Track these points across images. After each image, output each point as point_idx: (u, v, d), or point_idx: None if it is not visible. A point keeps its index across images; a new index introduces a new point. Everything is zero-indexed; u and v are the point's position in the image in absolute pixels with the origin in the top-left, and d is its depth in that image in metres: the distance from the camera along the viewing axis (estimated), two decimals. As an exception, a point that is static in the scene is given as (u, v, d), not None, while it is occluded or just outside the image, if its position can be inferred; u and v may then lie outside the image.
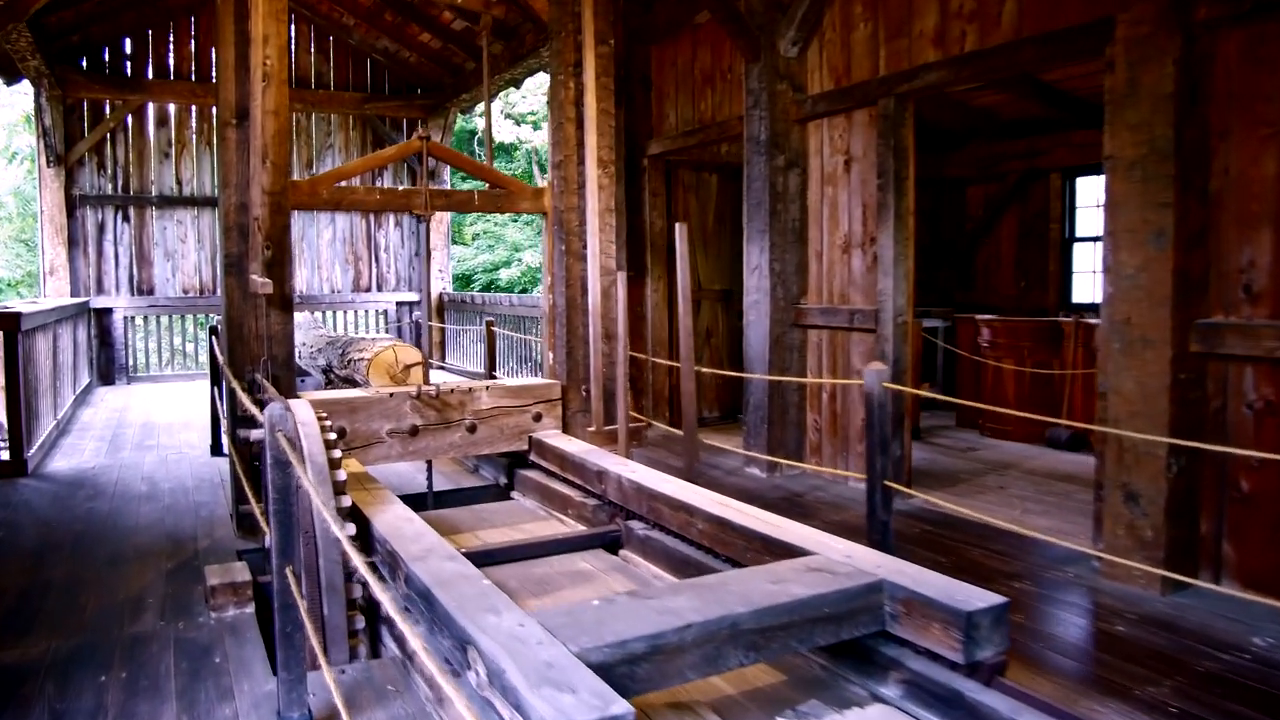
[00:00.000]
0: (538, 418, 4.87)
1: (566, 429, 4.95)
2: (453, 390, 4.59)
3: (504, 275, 19.27)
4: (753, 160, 5.51)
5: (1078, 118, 7.43)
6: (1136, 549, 3.56)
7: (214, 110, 8.68)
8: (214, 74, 6.45)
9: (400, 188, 4.48)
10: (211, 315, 10.49)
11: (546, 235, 5.06)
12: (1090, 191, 8.16)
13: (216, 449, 6.16)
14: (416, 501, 4.86)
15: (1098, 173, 7.85)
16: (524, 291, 18.46)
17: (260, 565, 3.75)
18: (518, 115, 19.72)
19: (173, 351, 11.75)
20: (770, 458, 5.51)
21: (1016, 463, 6.03)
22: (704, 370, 5.57)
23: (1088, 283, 8.22)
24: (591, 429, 4.87)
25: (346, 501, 2.88)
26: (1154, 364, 3.52)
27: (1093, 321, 6.48)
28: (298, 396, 4.07)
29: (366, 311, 11.79)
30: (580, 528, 4.18)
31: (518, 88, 11.30)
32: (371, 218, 11.62)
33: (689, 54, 6.84)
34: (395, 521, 3.06)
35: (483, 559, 3.62)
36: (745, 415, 5.82)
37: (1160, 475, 3.51)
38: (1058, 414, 6.50)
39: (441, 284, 11.77)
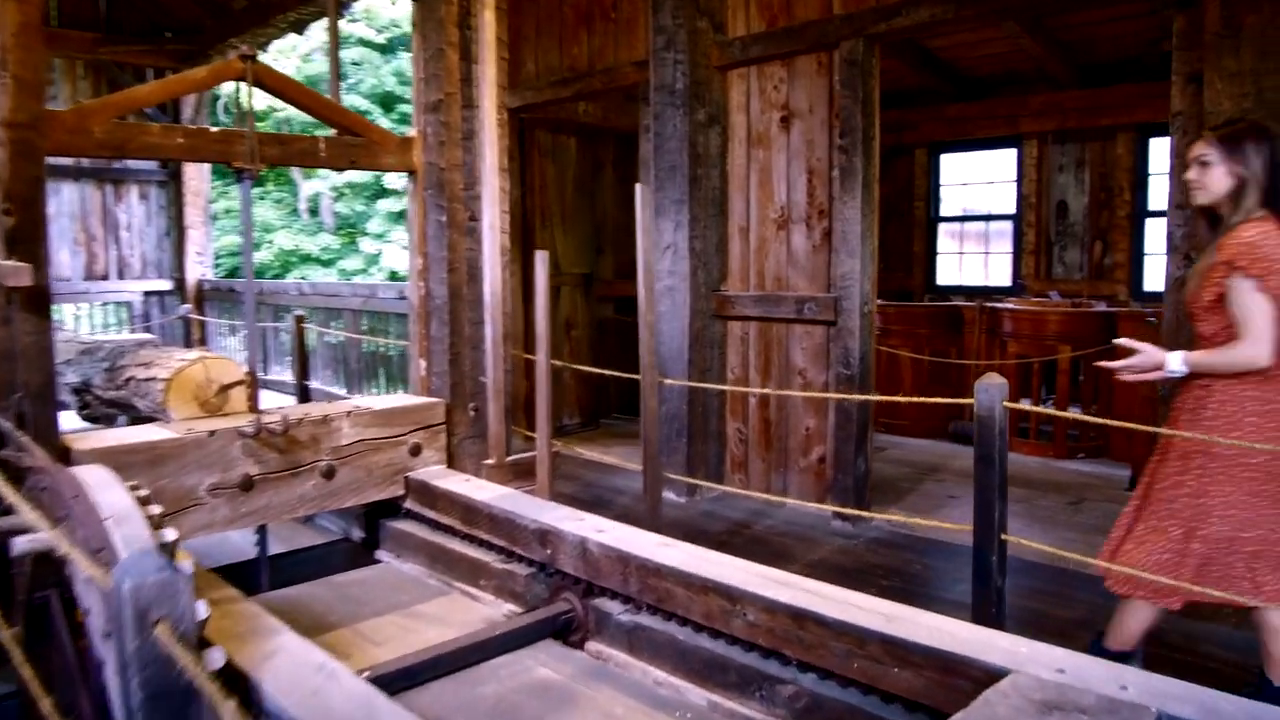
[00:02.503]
0: (416, 450, 3.66)
1: (452, 462, 3.77)
2: (301, 421, 3.29)
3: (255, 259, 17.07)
4: (664, 115, 4.55)
5: (957, 90, 7.12)
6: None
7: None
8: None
9: (214, 129, 3.07)
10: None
11: (415, 202, 3.83)
12: (956, 168, 7.91)
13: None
14: (245, 575, 3.49)
15: (967, 148, 7.64)
16: (277, 277, 16.37)
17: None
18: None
19: None
20: (690, 479, 4.59)
21: (941, 463, 5.53)
22: (607, 373, 4.56)
23: (953, 265, 8.01)
24: (490, 462, 3.73)
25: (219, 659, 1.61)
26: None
27: (1003, 306, 6.14)
28: (69, 450, 2.65)
29: (105, 305, 9.58)
30: (507, 606, 3.07)
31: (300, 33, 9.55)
32: (110, 188, 9.43)
33: (555, -12, 5.74)
34: (290, 669, 1.84)
35: (399, 680, 2.48)
36: (661, 426, 4.84)
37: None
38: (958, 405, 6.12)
39: (202, 269, 9.80)
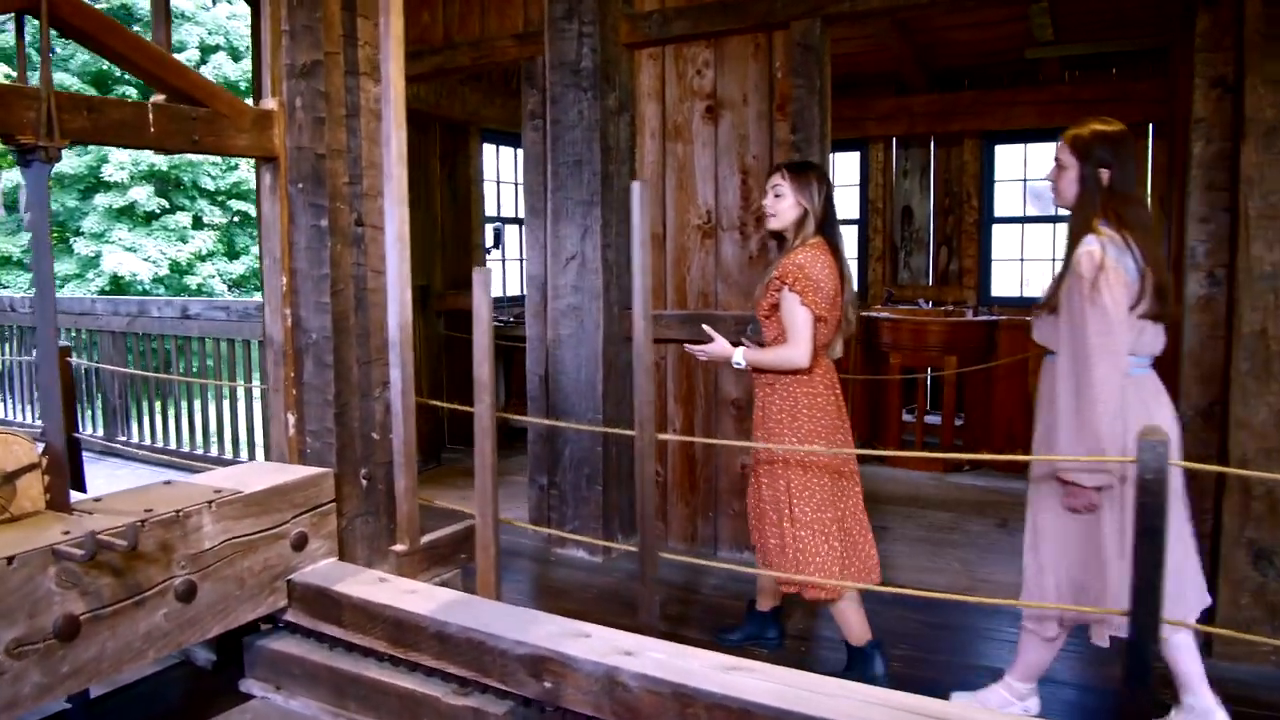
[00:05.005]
0: (300, 542, 2.72)
1: (343, 551, 2.85)
2: (145, 521, 2.27)
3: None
4: (565, 99, 3.82)
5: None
6: (1267, 619, 2.78)
7: None
8: None
9: None
10: None
11: (275, 199, 2.87)
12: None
13: None
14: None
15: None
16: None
17: None
18: None
19: None
20: (600, 541, 3.88)
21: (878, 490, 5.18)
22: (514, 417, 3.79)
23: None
24: (402, 548, 2.85)
25: None
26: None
27: (882, 315, 5.92)
28: None
29: None
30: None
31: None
32: None
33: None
34: None
35: None
36: (566, 473, 4.08)
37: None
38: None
39: None
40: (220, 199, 18.43)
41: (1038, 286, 6.75)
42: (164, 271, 17.00)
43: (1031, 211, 6.87)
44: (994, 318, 5.62)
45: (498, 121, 6.40)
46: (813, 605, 3.30)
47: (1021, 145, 6.66)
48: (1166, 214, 3.91)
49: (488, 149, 6.70)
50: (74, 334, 6.06)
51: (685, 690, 1.98)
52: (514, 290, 7.29)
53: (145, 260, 16.71)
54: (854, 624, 3.08)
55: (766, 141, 3.73)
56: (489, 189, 6.84)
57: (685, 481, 4.05)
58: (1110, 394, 2.45)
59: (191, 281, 17.53)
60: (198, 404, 5.59)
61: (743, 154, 3.78)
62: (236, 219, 18.83)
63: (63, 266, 16.72)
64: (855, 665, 3.07)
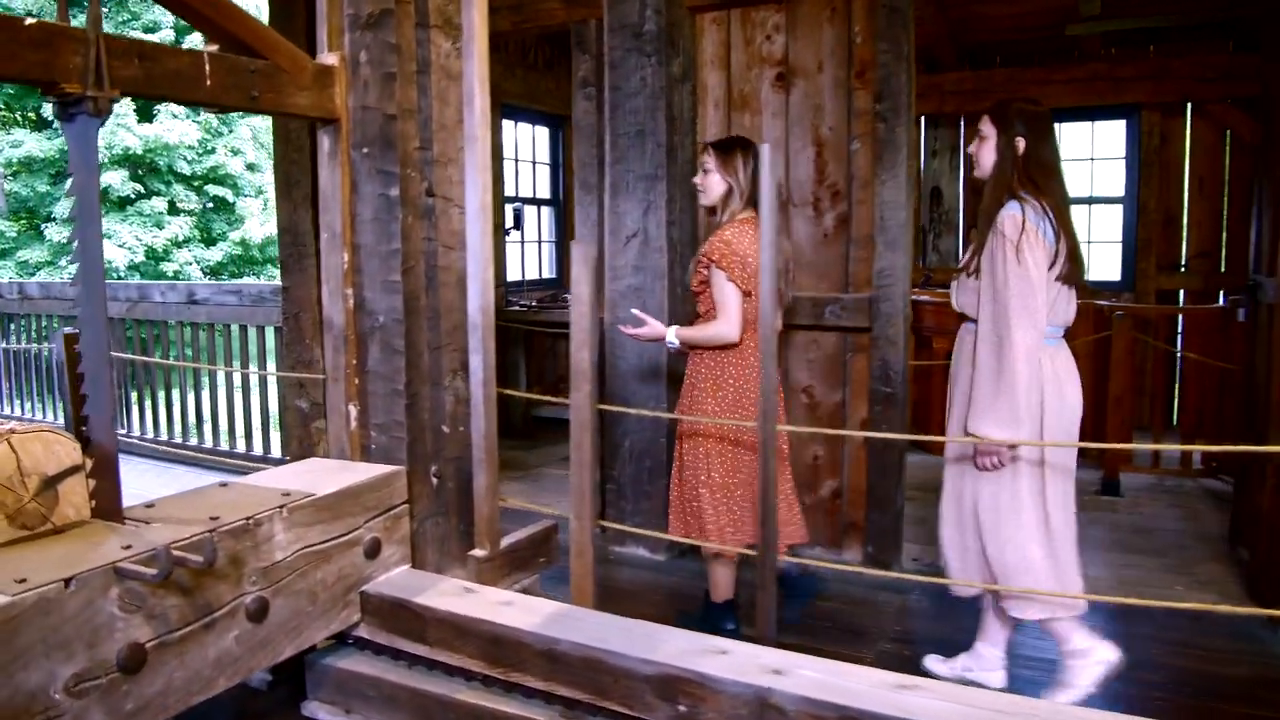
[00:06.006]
0: (373, 549, 2.42)
1: (415, 557, 2.56)
2: (214, 531, 1.97)
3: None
4: (626, 65, 3.53)
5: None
6: None
7: None
8: None
9: (28, 19, 1.61)
10: None
11: (335, 167, 2.54)
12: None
13: None
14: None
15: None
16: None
17: None
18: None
19: None
20: (666, 537, 3.61)
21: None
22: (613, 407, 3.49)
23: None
24: (481, 553, 2.56)
25: None
26: None
27: (924, 299, 5.67)
28: None
29: None
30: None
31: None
32: None
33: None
34: None
35: None
36: (625, 465, 3.79)
37: None
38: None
39: None
40: (196, 184, 17.83)
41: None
42: (140, 258, 16.41)
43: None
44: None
45: (518, 96, 6.05)
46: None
47: (1056, 124, 6.43)
48: (1257, 189, 3.67)
49: (505, 125, 6.35)
50: (62, 320, 5.65)
51: (851, 713, 1.72)
52: (532, 274, 6.96)
53: (121, 247, 16.12)
54: (721, 583, 3.21)
55: (843, 112, 3.45)
56: (508, 167, 6.49)
57: (749, 475, 3.78)
58: (1030, 354, 2.53)
59: (168, 268, 16.96)
60: (205, 394, 5.22)
61: (817, 125, 3.50)
62: (212, 204, 18.24)
63: (34, 253, 16.10)
64: (709, 617, 3.21)
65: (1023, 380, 2.53)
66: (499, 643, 2.16)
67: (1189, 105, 6.03)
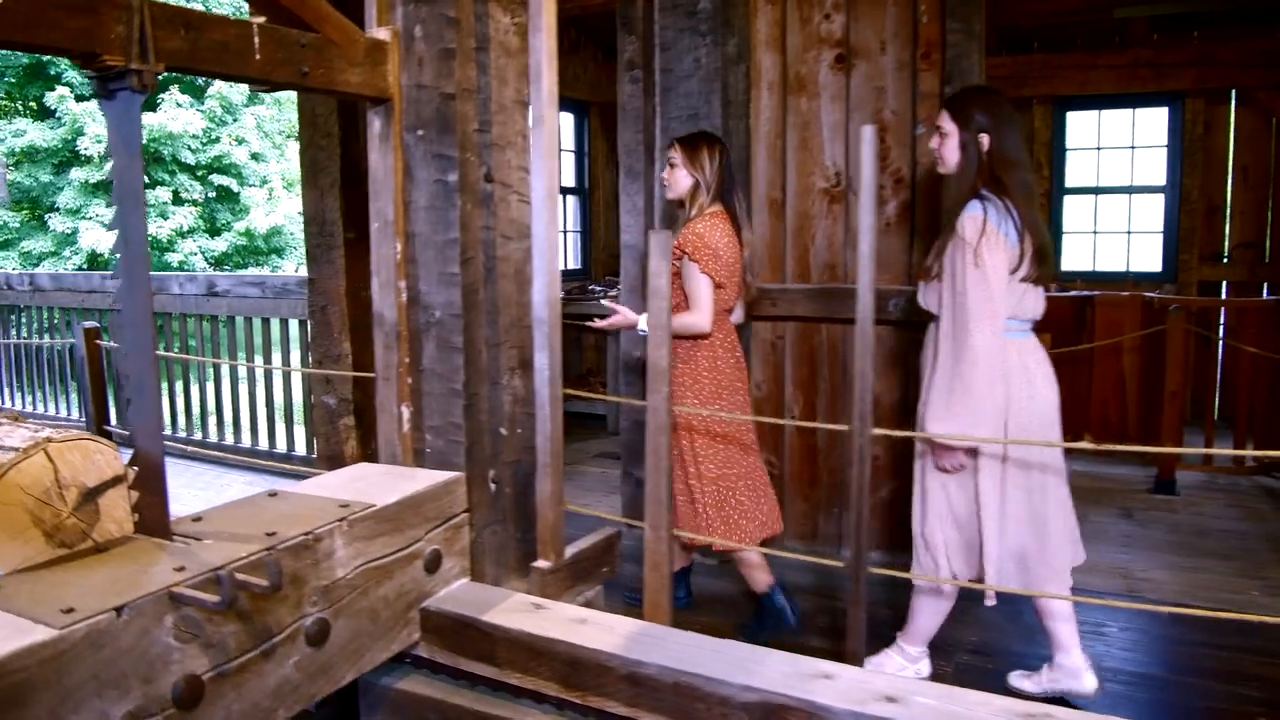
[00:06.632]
0: (434, 562, 2.25)
1: (474, 569, 2.39)
2: (273, 549, 1.79)
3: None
4: (678, 45, 3.35)
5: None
6: None
7: None
8: None
9: None
10: None
11: (385, 150, 2.36)
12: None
13: None
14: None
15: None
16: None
17: None
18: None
19: None
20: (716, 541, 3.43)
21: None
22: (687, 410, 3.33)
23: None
24: (546, 565, 2.39)
25: None
26: None
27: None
28: None
29: None
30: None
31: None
32: None
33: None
34: None
35: None
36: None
37: None
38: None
39: None
40: (200, 173, 17.60)
41: (1112, 260, 6.40)
42: (144, 249, 16.17)
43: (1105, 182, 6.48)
44: (1087, 293, 5.23)
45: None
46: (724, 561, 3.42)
47: (1095, 111, 6.25)
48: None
49: (528, 113, 6.11)
50: (78, 314, 5.45)
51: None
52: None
53: (125, 237, 15.87)
54: (758, 573, 3.18)
55: (908, 95, 3.27)
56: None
57: (804, 474, 3.62)
58: (989, 357, 2.52)
59: (172, 259, 16.75)
60: (226, 389, 5.04)
61: (879, 109, 3.32)
62: (216, 194, 18.00)
63: (37, 244, 15.89)
64: (762, 611, 3.17)
65: (981, 383, 2.51)
66: (577, 664, 1.98)
67: (1234, 92, 5.84)
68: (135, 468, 1.86)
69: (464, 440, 2.37)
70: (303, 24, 2.11)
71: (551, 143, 2.24)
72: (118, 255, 1.83)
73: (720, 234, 3.01)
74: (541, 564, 2.41)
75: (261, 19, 2.05)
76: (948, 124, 2.68)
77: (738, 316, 3.23)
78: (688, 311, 3.03)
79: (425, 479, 2.27)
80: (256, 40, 1.97)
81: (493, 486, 2.49)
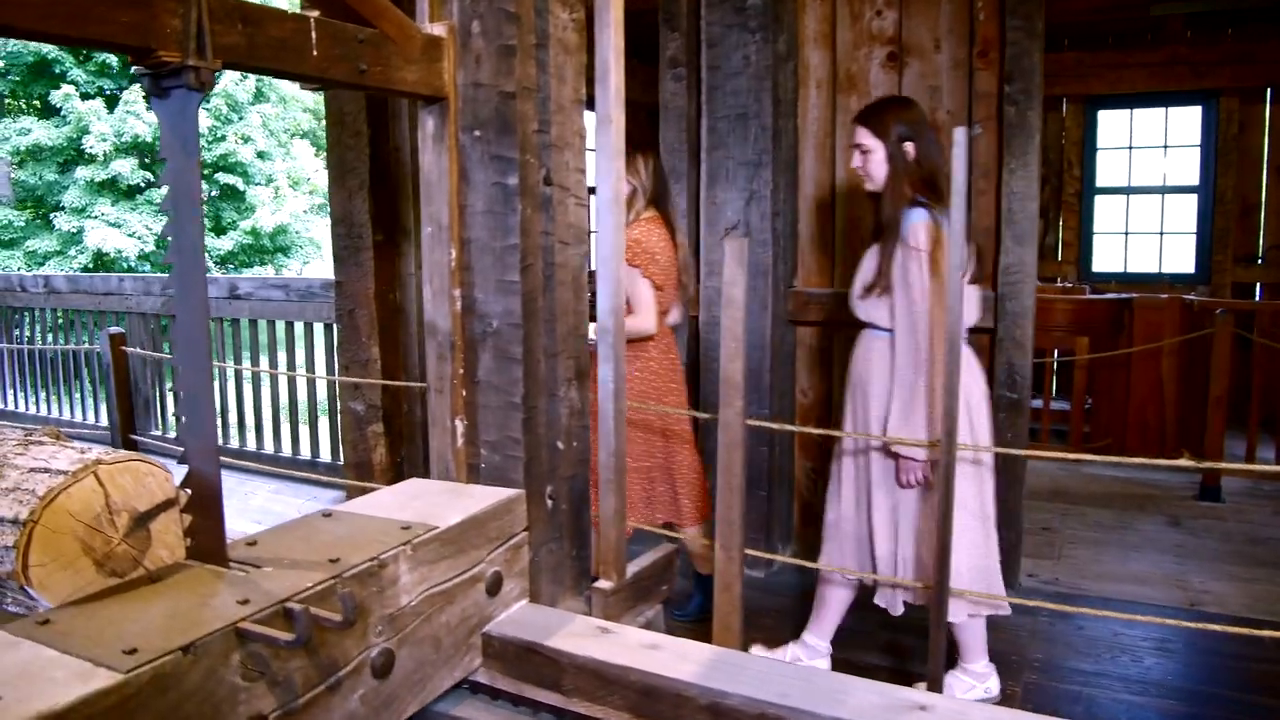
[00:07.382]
0: (495, 585, 2.13)
1: (532, 589, 2.28)
2: (338, 577, 1.67)
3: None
4: (726, 42, 3.22)
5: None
6: None
7: None
8: None
9: None
10: None
11: (440, 150, 2.24)
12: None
13: None
14: None
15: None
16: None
17: None
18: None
19: None
20: (764, 554, 3.32)
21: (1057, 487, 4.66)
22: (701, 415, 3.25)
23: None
24: (607, 585, 2.28)
25: None
26: None
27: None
28: None
29: None
30: None
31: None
32: None
33: None
34: None
35: None
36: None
37: None
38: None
39: None
40: (206, 171, 17.46)
41: (1143, 261, 6.28)
42: (150, 248, 16.07)
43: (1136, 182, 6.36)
44: (1124, 296, 5.11)
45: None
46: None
47: (1127, 110, 6.13)
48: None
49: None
50: (94, 316, 5.33)
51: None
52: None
53: (130, 236, 15.77)
54: (701, 555, 3.26)
55: (964, 94, 3.16)
56: (551, 156, 6.14)
57: (850, 486, 3.50)
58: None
59: (177, 258, 16.58)
60: (248, 394, 4.92)
61: (934, 108, 3.21)
62: (221, 193, 17.87)
63: (43, 243, 15.75)
64: (704, 590, 3.18)
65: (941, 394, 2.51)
66: (652, 694, 1.87)
67: (1269, 90, 5.72)
68: (188, 489, 1.75)
69: (522, 455, 2.26)
70: (358, 18, 1.99)
71: (619, 143, 2.13)
72: (171, 263, 1.71)
73: (657, 238, 3.08)
74: (603, 584, 2.29)
75: (316, 13, 1.94)
76: (869, 139, 2.66)
77: (674, 318, 3.29)
78: (631, 315, 3.10)
79: (484, 496, 2.16)
80: (314, 35, 1.85)
81: (550, 503, 2.37)
